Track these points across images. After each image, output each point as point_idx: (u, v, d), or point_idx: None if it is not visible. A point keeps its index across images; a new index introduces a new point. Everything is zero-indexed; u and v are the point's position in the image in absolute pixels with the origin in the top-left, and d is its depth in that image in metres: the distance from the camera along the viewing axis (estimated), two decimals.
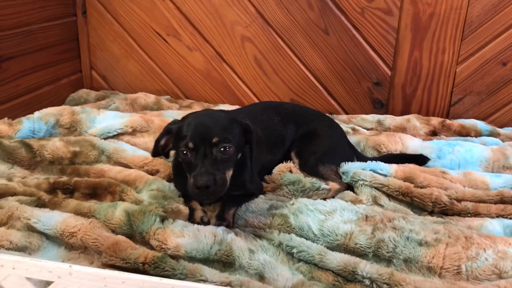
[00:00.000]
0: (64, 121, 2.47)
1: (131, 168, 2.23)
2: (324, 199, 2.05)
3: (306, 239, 1.76)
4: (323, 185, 2.18)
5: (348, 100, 3.11)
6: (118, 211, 1.79)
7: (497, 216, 1.96)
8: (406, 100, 3.03)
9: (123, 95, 3.17)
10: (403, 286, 1.51)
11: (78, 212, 1.80)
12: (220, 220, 1.86)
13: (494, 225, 1.90)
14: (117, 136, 2.48)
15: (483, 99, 2.95)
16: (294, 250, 1.68)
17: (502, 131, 2.80)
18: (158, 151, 1.92)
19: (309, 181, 2.17)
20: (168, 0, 3.11)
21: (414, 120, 2.84)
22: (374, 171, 2.19)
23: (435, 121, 2.84)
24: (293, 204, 1.92)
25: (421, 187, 2.14)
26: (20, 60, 2.72)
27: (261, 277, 1.58)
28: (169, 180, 2.14)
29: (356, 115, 2.97)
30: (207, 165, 1.69)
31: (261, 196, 2.05)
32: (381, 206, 2.07)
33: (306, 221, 1.81)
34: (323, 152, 2.26)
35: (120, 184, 2.05)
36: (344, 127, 2.73)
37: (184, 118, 1.84)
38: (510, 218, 1.95)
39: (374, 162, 2.25)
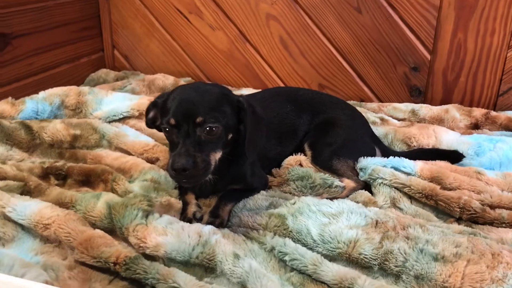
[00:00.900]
0: (69, 102, 2.36)
1: (131, 154, 2.09)
2: (332, 198, 1.82)
3: (304, 245, 1.55)
4: (337, 182, 1.96)
5: (382, 86, 2.82)
6: (100, 202, 1.65)
7: None
8: (447, 88, 2.70)
9: (142, 76, 3.04)
10: None
11: (59, 202, 1.68)
12: (214, 217, 1.68)
13: None
14: (123, 119, 2.35)
15: None
16: (287, 258, 1.48)
17: None
18: (148, 124, 1.80)
19: (320, 176, 1.95)
20: None
21: (453, 110, 2.52)
22: (396, 169, 1.94)
23: (478, 112, 2.51)
24: (294, 203, 1.70)
25: (450, 189, 1.87)
26: (33, 38, 2.63)
27: (243, 287, 1.39)
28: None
29: (387, 103, 2.68)
30: (188, 145, 1.54)
31: (263, 192, 1.84)
32: (400, 209, 1.82)
33: (306, 224, 1.59)
34: (340, 144, 2.02)
35: (113, 172, 1.91)
36: (372, 116, 2.46)
37: (172, 91, 1.68)
38: None
39: (397, 158, 1.98)
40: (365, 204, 1.77)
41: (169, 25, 3.08)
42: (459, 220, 1.77)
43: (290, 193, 1.90)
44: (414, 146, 2.26)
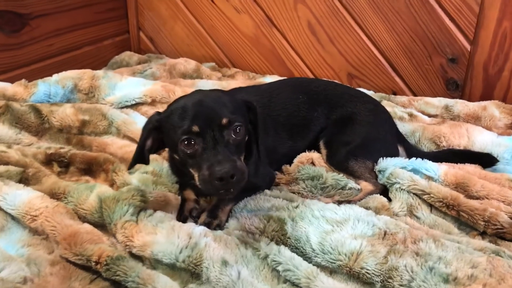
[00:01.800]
0: (83, 86, 2.30)
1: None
2: (344, 201, 1.67)
3: (302, 253, 1.43)
4: (351, 184, 1.80)
5: (416, 78, 2.61)
6: (93, 195, 1.58)
7: None
8: (488, 82, 2.45)
9: (164, 60, 2.95)
10: None
11: (52, 192, 1.62)
12: (212, 217, 1.58)
13: None
14: (136, 105, 2.27)
15: None
16: (280, 267, 1.36)
17: None
18: (144, 158, 1.56)
19: (332, 177, 1.80)
20: None
21: (492, 108, 2.28)
22: (418, 171, 1.76)
23: None
24: (297, 206, 1.57)
25: (477, 198, 1.69)
26: (53, 18, 2.59)
27: None
28: None
29: (419, 97, 2.47)
30: (222, 152, 1.38)
31: (267, 191, 1.72)
32: (418, 218, 1.65)
33: (306, 231, 1.46)
34: (359, 143, 1.85)
35: (115, 162, 1.84)
36: (400, 111, 2.27)
37: (172, 105, 1.52)
38: None
39: (419, 159, 1.80)
40: (377, 210, 1.61)
41: (193, 7, 2.97)
42: (483, 234, 1.59)
43: (299, 193, 1.77)
44: (444, 146, 2.06)
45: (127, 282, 1.30)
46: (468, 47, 2.43)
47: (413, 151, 1.99)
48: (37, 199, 1.53)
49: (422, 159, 1.81)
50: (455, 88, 2.54)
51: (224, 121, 1.40)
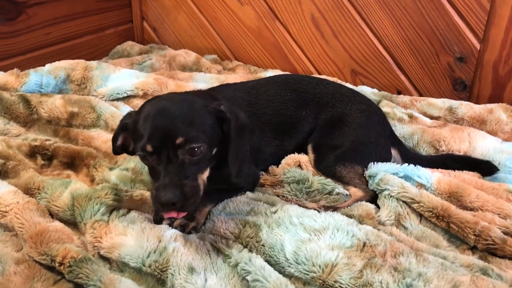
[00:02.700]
0: (75, 77, 2.26)
1: None
2: (331, 208, 1.60)
3: (275, 263, 1.36)
4: (339, 189, 1.72)
5: (422, 76, 2.49)
6: (67, 192, 1.54)
7: None
8: (498, 83, 2.32)
9: (164, 51, 2.89)
10: None
11: (27, 187, 1.58)
12: (189, 219, 1.52)
13: None
14: (127, 98, 2.22)
15: None
16: (249, 277, 1.29)
17: None
18: (117, 151, 1.55)
19: (318, 181, 1.72)
20: None
21: (499, 111, 2.15)
22: (410, 178, 1.67)
23: None
24: (275, 212, 1.50)
25: (471, 209, 1.59)
26: (51, 6, 2.55)
27: None
28: None
29: (422, 98, 2.35)
30: (172, 174, 1.32)
31: (248, 194, 1.65)
32: (405, 228, 1.56)
33: (281, 239, 1.39)
34: (348, 147, 1.76)
35: (97, 157, 1.80)
36: (400, 112, 2.16)
37: (141, 109, 1.45)
38: None
39: (412, 165, 1.71)
40: (361, 219, 1.53)
41: None
42: (474, 248, 1.49)
43: (283, 196, 1.70)
44: (443, 150, 1.96)
45: (89, 285, 1.26)
46: (477, 45, 2.30)
47: (408, 155, 1.89)
48: (8, 194, 1.50)
49: (416, 165, 1.72)
50: (463, 89, 2.41)
51: (179, 140, 1.32)
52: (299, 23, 2.67)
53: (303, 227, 1.42)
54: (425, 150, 1.99)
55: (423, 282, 1.24)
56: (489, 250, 1.46)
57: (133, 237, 1.39)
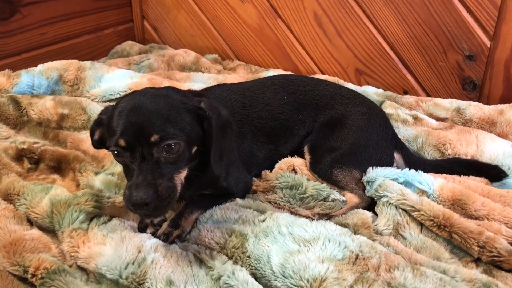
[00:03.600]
0: (68, 77, 2.20)
1: None
2: (325, 215, 1.50)
3: (261, 276, 1.27)
4: (334, 195, 1.63)
5: (429, 76, 2.38)
6: (46, 198, 1.47)
7: None
8: (510, 82, 2.20)
9: (163, 51, 2.82)
10: None
11: (7, 193, 1.52)
12: (173, 227, 1.43)
13: None
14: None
15: None
16: None
17: None
18: (96, 145, 1.48)
19: (313, 186, 1.63)
20: None
21: (510, 112, 2.02)
22: (411, 185, 1.57)
23: None
24: (263, 220, 1.41)
25: (476, 218, 1.48)
26: (47, 6, 2.50)
27: None
28: None
29: (428, 98, 2.23)
30: (145, 172, 1.24)
31: (238, 200, 1.56)
32: (404, 238, 1.46)
33: (268, 250, 1.30)
34: (346, 150, 1.67)
35: (83, 160, 1.73)
36: (404, 113, 2.06)
37: (117, 104, 1.37)
38: None
39: (413, 170, 1.60)
40: (356, 228, 1.43)
41: None
42: (478, 261, 1.38)
43: (275, 203, 1.61)
44: (449, 154, 1.85)
45: None
46: (487, 43, 2.18)
47: (412, 160, 1.79)
48: None
49: (420, 170, 1.62)
50: (472, 88, 2.29)
51: (154, 138, 1.24)
52: (301, 21, 2.58)
53: (292, 237, 1.33)
54: (430, 153, 1.88)
55: None
56: (494, 263, 1.35)
57: (112, 247, 1.32)
